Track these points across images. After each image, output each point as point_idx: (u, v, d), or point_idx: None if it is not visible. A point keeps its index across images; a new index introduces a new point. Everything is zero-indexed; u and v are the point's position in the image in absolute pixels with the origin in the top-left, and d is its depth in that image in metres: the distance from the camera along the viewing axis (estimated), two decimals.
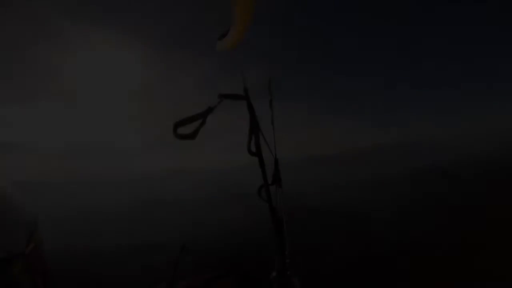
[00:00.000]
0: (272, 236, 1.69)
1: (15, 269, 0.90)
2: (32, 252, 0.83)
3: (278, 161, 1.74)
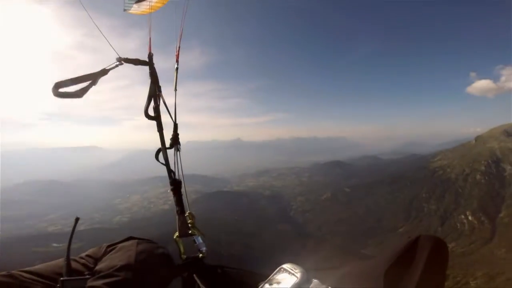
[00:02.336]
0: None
1: None
2: None
3: (177, 126, 1.69)
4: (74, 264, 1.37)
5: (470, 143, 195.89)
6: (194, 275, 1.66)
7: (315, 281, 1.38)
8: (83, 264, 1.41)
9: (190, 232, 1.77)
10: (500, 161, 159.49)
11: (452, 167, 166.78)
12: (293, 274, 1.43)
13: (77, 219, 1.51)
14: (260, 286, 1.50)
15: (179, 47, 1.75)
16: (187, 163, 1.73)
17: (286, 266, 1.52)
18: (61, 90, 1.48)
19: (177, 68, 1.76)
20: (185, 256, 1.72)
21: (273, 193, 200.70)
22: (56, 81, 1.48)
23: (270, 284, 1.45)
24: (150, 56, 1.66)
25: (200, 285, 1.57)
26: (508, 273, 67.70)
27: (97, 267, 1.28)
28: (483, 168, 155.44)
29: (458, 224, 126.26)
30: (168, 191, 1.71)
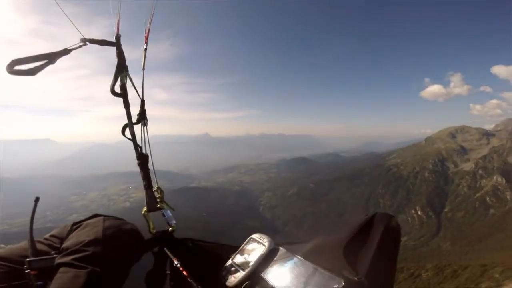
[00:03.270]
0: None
1: None
2: None
3: (144, 102, 1.68)
4: (39, 246, 1.32)
5: (421, 143, 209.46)
6: (165, 249, 1.63)
7: (281, 249, 1.48)
8: (48, 245, 1.36)
9: (158, 206, 1.73)
10: (445, 160, 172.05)
11: (404, 165, 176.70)
12: (261, 244, 1.53)
13: (37, 199, 1.45)
14: (232, 257, 1.56)
15: (149, 29, 1.71)
16: (152, 158, 1.72)
17: (255, 236, 1.64)
18: (16, 67, 1.42)
19: (145, 49, 1.73)
20: (154, 231, 1.67)
21: (242, 189, 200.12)
22: (14, 58, 1.41)
23: (242, 254, 1.54)
24: (118, 37, 1.60)
25: (172, 257, 1.55)
26: (454, 265, 71.60)
27: (64, 245, 1.23)
28: (430, 166, 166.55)
29: (410, 219, 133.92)
30: (136, 164, 1.61)
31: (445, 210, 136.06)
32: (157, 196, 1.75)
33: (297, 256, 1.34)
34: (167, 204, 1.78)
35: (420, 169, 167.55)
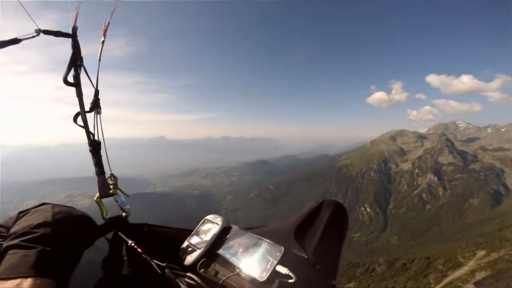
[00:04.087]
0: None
1: None
2: None
3: (98, 92, 1.65)
4: None
5: (367, 146, 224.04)
6: (120, 233, 1.59)
7: (234, 226, 1.55)
8: None
9: (111, 192, 1.67)
10: (388, 161, 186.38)
11: (353, 166, 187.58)
12: (215, 223, 1.58)
13: None
14: (188, 238, 1.59)
15: (108, 22, 1.68)
16: (105, 145, 1.68)
17: (209, 217, 1.67)
18: None
19: (103, 41, 1.69)
20: (108, 217, 1.61)
21: (203, 193, 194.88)
22: None
23: (197, 235, 1.58)
24: (75, 29, 1.55)
25: (128, 241, 1.51)
26: (403, 258, 76.69)
27: (11, 231, 1.15)
28: (375, 167, 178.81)
29: (360, 216, 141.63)
30: (88, 151, 1.59)
31: (390, 207, 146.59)
32: (111, 183, 1.70)
33: (248, 231, 1.46)
34: (120, 191, 1.73)
35: (367, 169, 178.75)
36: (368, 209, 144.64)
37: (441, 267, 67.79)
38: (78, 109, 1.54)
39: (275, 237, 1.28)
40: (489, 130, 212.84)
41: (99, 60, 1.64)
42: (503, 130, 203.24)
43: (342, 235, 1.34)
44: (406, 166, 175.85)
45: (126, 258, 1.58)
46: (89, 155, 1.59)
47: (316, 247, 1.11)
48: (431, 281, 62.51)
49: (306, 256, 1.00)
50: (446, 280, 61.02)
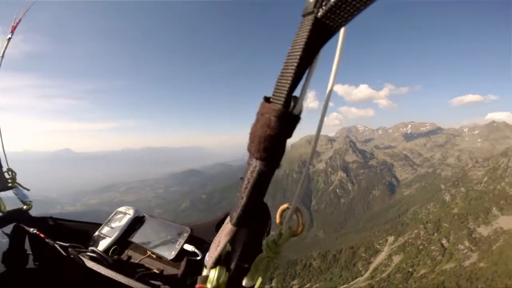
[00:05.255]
0: None
1: None
2: None
3: None
4: None
5: (288, 149, 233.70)
6: (22, 225, 1.50)
7: (147, 216, 1.56)
8: None
9: (9, 185, 1.62)
10: (306, 162, 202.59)
11: (278, 169, 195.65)
12: (127, 214, 1.56)
13: None
14: (99, 229, 1.56)
15: (20, 19, 1.61)
16: (1, 138, 1.57)
17: (120, 209, 1.64)
18: None
19: (9, 38, 1.62)
20: (6, 210, 1.54)
21: None
22: None
23: (108, 226, 1.55)
24: None
25: (27, 229, 1.43)
26: (332, 251, 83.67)
27: None
28: (296, 168, 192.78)
29: None
30: None
31: (313, 203, 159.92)
32: (8, 177, 1.64)
33: (161, 218, 1.50)
34: (20, 185, 1.68)
35: (290, 171, 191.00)
36: None
37: (364, 255, 77.07)
38: None
39: (198, 230, 1.35)
40: (380, 132, 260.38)
41: (2, 56, 1.58)
42: (390, 131, 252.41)
43: (263, 228, 1.38)
44: (321, 166, 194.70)
45: (30, 253, 1.51)
46: None
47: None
48: (360, 268, 70.17)
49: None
50: (372, 267, 69.56)
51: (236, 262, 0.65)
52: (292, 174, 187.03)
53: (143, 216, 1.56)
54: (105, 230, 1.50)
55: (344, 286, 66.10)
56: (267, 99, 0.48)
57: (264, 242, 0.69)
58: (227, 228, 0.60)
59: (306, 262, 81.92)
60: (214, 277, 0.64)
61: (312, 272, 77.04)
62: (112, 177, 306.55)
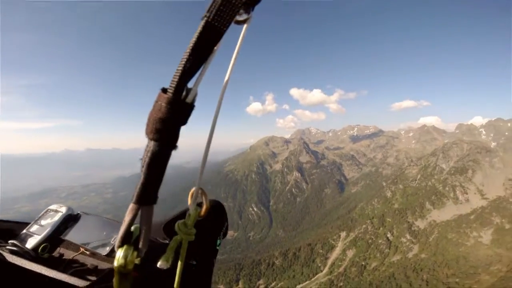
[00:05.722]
0: None
1: None
2: None
3: None
4: None
5: (247, 151, 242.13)
6: None
7: (82, 213, 1.49)
8: None
9: None
10: (264, 163, 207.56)
11: (237, 171, 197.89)
12: (59, 211, 1.47)
13: None
14: (27, 228, 1.44)
15: None
16: None
17: (52, 207, 1.52)
18: None
19: None
20: None
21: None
22: None
23: (38, 224, 1.44)
24: None
25: None
26: (292, 249, 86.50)
27: None
28: (255, 169, 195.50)
29: (250, 216, 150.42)
30: None
31: (271, 203, 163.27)
32: None
33: (98, 216, 1.42)
34: None
35: (249, 172, 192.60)
36: (255, 208, 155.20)
37: (321, 251, 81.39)
38: None
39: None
40: (330, 134, 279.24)
41: None
42: (339, 133, 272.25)
43: (218, 226, 1.40)
44: (278, 166, 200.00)
45: None
46: None
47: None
48: (319, 264, 73.84)
49: (168, 241, 0.97)
50: (329, 262, 73.77)
51: (143, 241, 0.65)
52: (251, 174, 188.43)
53: (78, 214, 1.48)
54: (34, 228, 1.39)
55: (307, 282, 69.01)
56: (164, 90, 0.57)
57: (175, 225, 0.72)
58: (129, 207, 0.62)
59: (269, 261, 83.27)
60: (120, 256, 0.64)
61: (276, 271, 78.67)
62: (51, 181, 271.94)
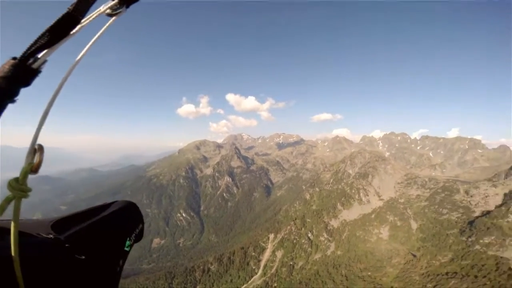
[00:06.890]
0: None
1: None
2: None
3: None
4: None
5: (175, 154, 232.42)
6: None
7: None
8: None
9: None
10: (194, 167, 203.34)
11: (163, 175, 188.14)
12: None
13: None
14: None
15: None
16: None
17: None
18: None
19: None
20: None
21: None
22: None
23: None
24: None
25: None
26: (226, 253, 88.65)
27: None
28: (184, 173, 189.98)
29: (178, 222, 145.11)
30: None
31: (202, 209, 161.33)
32: None
33: None
34: None
35: (176, 176, 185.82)
36: (184, 214, 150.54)
37: (254, 253, 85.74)
38: None
39: (29, 226, 1.18)
40: (260, 141, 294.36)
41: None
42: (267, 140, 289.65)
43: (129, 227, 1.37)
44: (209, 171, 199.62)
45: None
46: None
47: (75, 233, 1.06)
48: (253, 267, 77.67)
49: (52, 237, 0.97)
50: (262, 264, 78.38)
51: None
52: (179, 179, 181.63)
53: None
54: None
55: (244, 286, 71.61)
56: (13, 58, 0.66)
57: (7, 182, 0.68)
58: None
59: (204, 267, 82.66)
60: None
61: (212, 276, 78.58)
62: None
